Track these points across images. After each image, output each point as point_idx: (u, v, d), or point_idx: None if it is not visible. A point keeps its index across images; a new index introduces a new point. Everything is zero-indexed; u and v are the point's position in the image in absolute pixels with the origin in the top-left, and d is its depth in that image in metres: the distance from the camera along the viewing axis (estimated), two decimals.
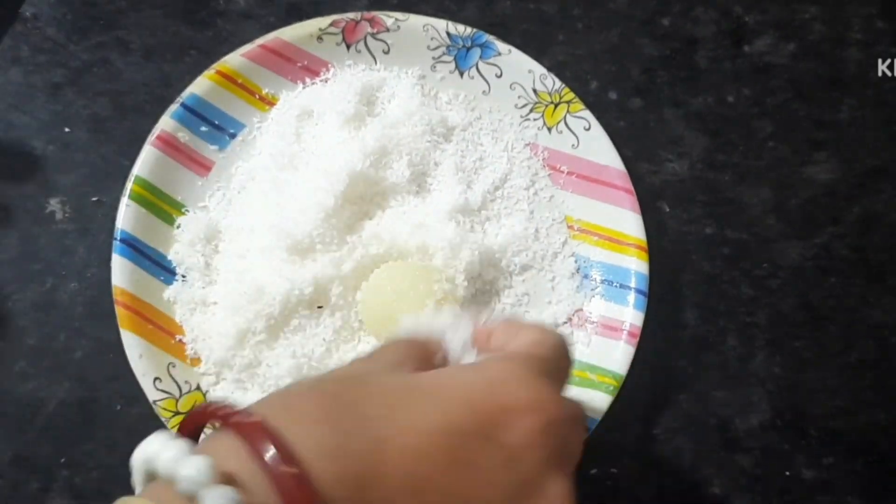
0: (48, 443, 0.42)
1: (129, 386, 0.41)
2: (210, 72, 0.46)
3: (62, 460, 0.42)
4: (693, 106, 0.51)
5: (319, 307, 0.42)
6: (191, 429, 0.25)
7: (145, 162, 0.44)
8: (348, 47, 0.48)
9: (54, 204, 0.46)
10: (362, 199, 0.45)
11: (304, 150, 0.46)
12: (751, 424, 0.45)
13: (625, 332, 0.44)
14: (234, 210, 0.45)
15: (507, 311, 0.45)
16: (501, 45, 0.48)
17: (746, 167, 0.50)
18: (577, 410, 0.29)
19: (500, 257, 0.45)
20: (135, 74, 0.49)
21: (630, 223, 0.45)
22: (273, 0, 0.51)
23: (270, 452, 0.21)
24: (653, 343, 0.45)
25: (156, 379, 0.41)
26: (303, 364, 0.41)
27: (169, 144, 0.45)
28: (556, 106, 0.48)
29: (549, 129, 0.48)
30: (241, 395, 0.42)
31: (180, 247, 0.44)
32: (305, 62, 0.48)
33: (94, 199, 0.46)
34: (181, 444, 0.22)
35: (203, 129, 0.46)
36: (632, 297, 0.44)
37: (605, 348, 0.44)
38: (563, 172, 0.48)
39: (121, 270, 0.42)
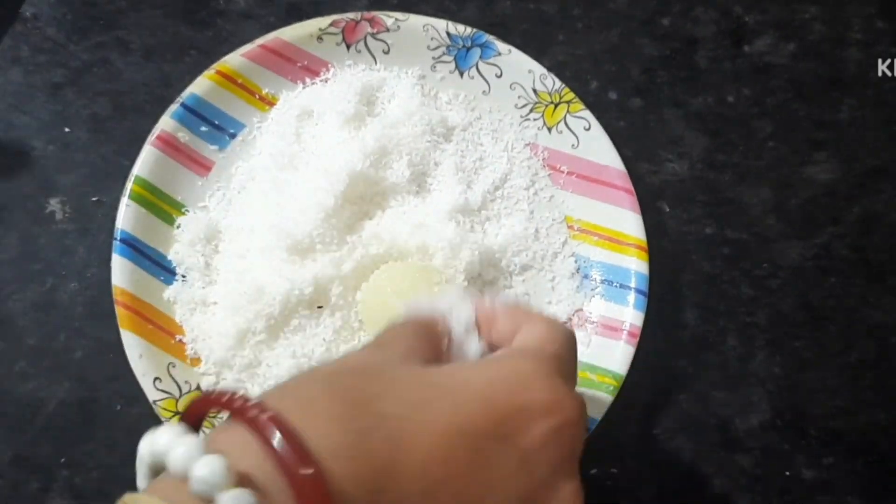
0: (48, 443, 0.42)
1: (129, 386, 0.41)
2: (210, 72, 0.46)
3: (62, 460, 0.42)
4: (693, 106, 0.51)
5: (319, 307, 0.42)
6: (197, 415, 0.24)
7: (145, 162, 0.44)
8: (348, 47, 0.48)
9: (54, 204, 0.46)
10: (362, 199, 0.45)
11: (304, 150, 0.46)
12: (751, 424, 0.45)
13: (625, 332, 0.44)
14: (234, 210, 0.45)
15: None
16: (501, 45, 0.48)
17: (746, 167, 0.50)
18: (585, 410, 0.29)
19: (500, 257, 0.45)
20: (135, 74, 0.49)
21: (630, 223, 0.45)
22: (273, 0, 0.51)
23: (287, 453, 0.21)
24: (653, 343, 0.45)
25: (156, 379, 0.40)
26: (303, 364, 0.41)
27: (169, 144, 0.45)
28: (556, 106, 0.48)
29: (549, 129, 0.48)
30: None
31: (180, 247, 0.44)
32: (305, 62, 0.48)
33: (94, 199, 0.46)
34: (193, 441, 0.21)
35: (203, 129, 0.46)
36: (632, 297, 0.44)
37: (605, 348, 0.44)
38: (563, 172, 0.48)
39: (121, 270, 0.42)
